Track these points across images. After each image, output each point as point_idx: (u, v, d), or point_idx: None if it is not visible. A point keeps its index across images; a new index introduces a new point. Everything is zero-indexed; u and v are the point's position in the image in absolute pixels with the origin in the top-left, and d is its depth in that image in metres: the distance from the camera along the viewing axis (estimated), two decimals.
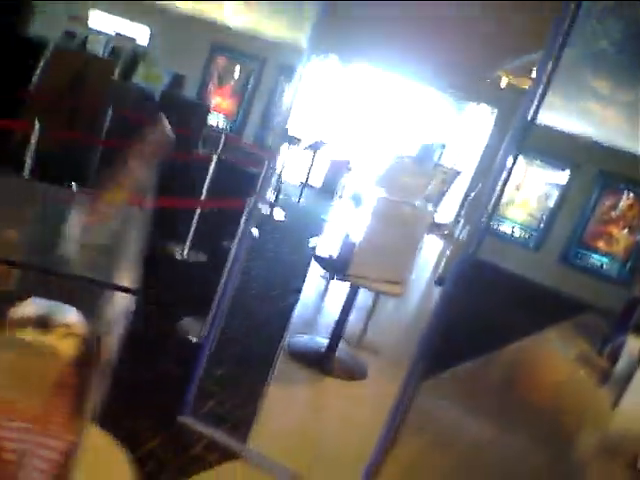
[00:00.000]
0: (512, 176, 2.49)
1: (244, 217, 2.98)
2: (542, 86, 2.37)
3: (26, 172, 3.96)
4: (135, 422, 2.93)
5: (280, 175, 9.82)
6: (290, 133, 10.41)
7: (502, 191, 2.51)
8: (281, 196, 9.71)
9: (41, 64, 5.64)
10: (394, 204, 3.73)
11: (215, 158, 5.10)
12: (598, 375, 6.48)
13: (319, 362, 4.16)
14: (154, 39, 11.80)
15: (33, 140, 3.90)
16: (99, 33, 11.75)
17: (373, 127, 14.72)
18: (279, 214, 8.58)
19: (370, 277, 3.87)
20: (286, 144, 9.72)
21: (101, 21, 11.95)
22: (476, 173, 10.21)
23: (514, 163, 2.40)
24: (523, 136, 2.44)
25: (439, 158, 12.60)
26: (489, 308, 7.23)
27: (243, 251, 2.94)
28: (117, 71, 11.72)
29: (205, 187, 5.14)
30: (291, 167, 11.57)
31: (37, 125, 3.86)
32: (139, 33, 11.87)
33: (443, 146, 13.06)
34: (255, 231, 7.07)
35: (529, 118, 2.38)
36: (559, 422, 4.82)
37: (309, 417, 3.60)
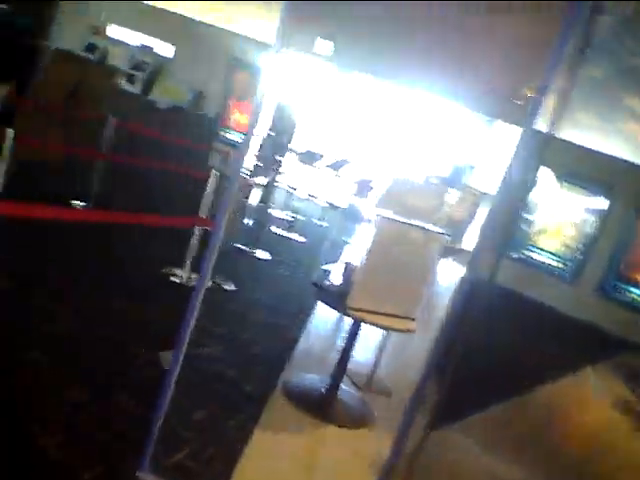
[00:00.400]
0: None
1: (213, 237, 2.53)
2: (551, 96, 2.01)
3: None
4: (80, 475, 2.47)
5: (294, 193, 9.40)
6: (311, 149, 10.01)
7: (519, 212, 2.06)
8: (301, 217, 9.28)
9: (39, 69, 5.33)
10: (398, 225, 3.24)
11: (214, 174, 4.68)
12: (637, 421, 5.83)
13: (318, 405, 3.65)
14: (177, 54, 11.59)
15: (6, 151, 3.51)
16: (121, 45, 11.62)
17: (400, 146, 14.29)
18: (296, 235, 8.13)
19: (373, 310, 3.37)
20: (303, 160, 9.30)
21: (123, 34, 11.81)
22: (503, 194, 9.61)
23: (532, 182, 1.96)
24: (534, 149, 2.04)
25: (467, 179, 12.10)
26: (517, 342, 6.63)
27: (207, 274, 2.50)
28: (138, 84, 11.56)
29: (202, 204, 4.72)
30: (312, 186, 11.15)
31: (11, 133, 3.48)
32: (162, 47, 11.68)
33: (472, 167, 12.55)
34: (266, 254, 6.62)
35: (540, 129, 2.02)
36: (594, 475, 4.25)
37: (301, 473, 3.09)
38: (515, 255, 10.47)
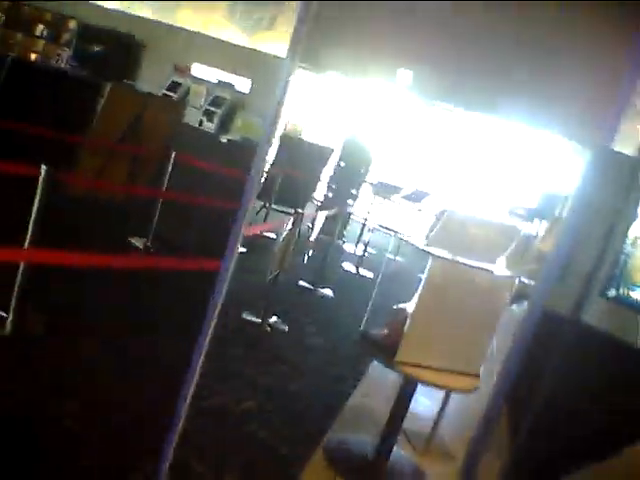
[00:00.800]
0: None
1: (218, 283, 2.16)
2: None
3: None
4: None
5: (366, 225, 8.97)
6: (388, 181, 9.59)
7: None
8: (372, 250, 8.82)
9: (99, 106, 5.26)
10: (454, 266, 2.75)
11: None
12: None
13: (364, 471, 3.17)
14: (253, 88, 11.60)
15: (40, 189, 3.33)
16: (203, 82, 11.77)
17: (484, 177, 13.61)
18: (366, 271, 7.67)
19: (428, 365, 2.87)
20: (378, 192, 8.88)
21: (206, 72, 11.98)
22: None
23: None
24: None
25: (561, 212, 11.19)
26: (609, 395, 5.79)
27: (210, 327, 2.13)
28: (215, 120, 11.63)
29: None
30: (389, 219, 10.69)
31: (43, 170, 3.29)
32: (241, 82, 11.72)
33: (566, 198, 11.62)
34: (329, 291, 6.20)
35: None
36: None
37: None
38: (611, 293, 9.47)
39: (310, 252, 7.05)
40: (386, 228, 10.75)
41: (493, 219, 3.01)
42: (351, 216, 9.67)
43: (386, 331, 3.11)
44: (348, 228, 9.61)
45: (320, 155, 9.19)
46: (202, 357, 2.26)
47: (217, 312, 2.21)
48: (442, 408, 3.56)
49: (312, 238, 6.27)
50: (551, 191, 11.65)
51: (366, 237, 8.72)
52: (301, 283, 6.34)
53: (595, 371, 3.28)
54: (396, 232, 10.52)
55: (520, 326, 2.10)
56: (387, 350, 2.93)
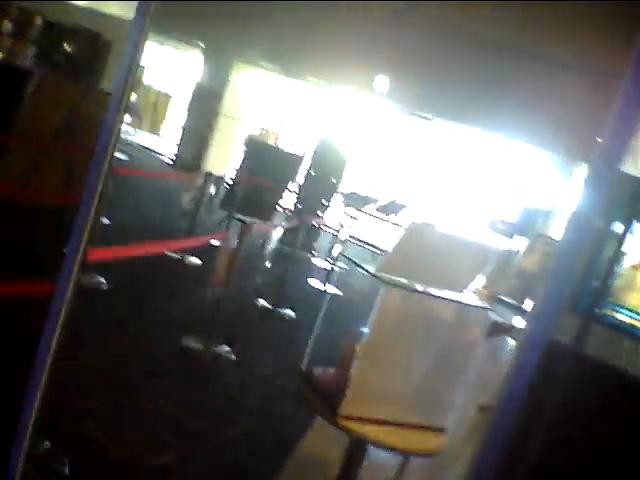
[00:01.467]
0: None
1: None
2: None
3: None
4: None
5: (337, 238, 8.37)
6: (361, 191, 9.03)
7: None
8: (344, 265, 8.21)
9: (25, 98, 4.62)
10: (415, 297, 2.16)
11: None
12: None
13: None
14: None
15: None
16: None
17: (464, 189, 13.14)
18: (333, 288, 7.05)
19: (380, 420, 2.27)
20: (350, 203, 8.31)
21: None
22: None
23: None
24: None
25: (542, 227, 10.69)
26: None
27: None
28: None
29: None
30: (363, 231, 10.13)
31: None
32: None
33: (548, 214, 11.14)
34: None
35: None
36: None
37: None
38: (597, 313, 8.96)
39: (267, 264, 6.39)
40: (359, 241, 10.16)
41: (467, 236, 2.42)
42: (321, 228, 9.07)
43: (333, 371, 2.52)
44: (319, 240, 9.01)
45: (289, 162, 8.60)
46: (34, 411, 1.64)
47: (51, 356, 1.60)
48: (402, 468, 2.95)
49: (267, 249, 5.66)
50: (532, 205, 11.17)
51: (336, 250, 8.12)
52: (260, 302, 5.72)
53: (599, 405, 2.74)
54: (371, 245, 9.96)
55: (515, 370, 1.57)
56: (329, 398, 2.32)
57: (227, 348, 4.25)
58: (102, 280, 4.46)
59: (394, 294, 2.19)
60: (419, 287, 2.18)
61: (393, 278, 2.17)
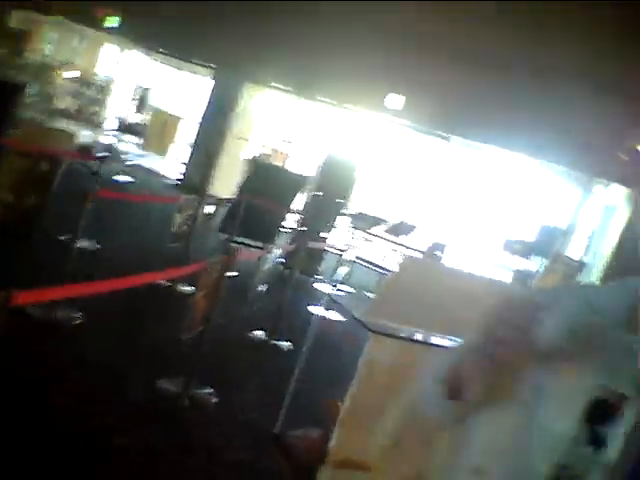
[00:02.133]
0: None
1: None
2: None
3: None
4: None
5: (342, 259, 7.91)
6: (369, 212, 8.61)
7: None
8: (349, 290, 7.75)
9: None
10: (409, 348, 1.71)
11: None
12: None
13: None
14: None
15: None
16: None
17: (481, 208, 12.69)
18: (336, 315, 6.57)
19: None
20: (357, 225, 7.88)
21: None
22: (607, 270, 7.79)
23: None
24: None
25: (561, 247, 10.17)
26: None
27: None
28: None
29: None
30: (371, 252, 9.65)
31: None
32: None
33: (566, 233, 10.62)
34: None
35: None
36: None
37: None
38: None
39: (263, 287, 5.88)
40: (367, 262, 9.70)
41: (474, 274, 1.97)
42: (325, 250, 8.62)
43: (313, 436, 2.07)
44: (322, 264, 8.55)
45: (292, 183, 8.22)
46: None
47: None
48: None
49: (262, 271, 5.22)
50: (549, 224, 10.68)
51: (342, 273, 7.67)
52: (254, 333, 5.27)
53: None
54: (378, 266, 9.46)
55: None
56: (305, 469, 1.87)
57: (208, 389, 3.79)
58: (76, 315, 4.05)
59: (384, 345, 1.74)
60: (416, 336, 1.73)
61: (381, 324, 1.72)
